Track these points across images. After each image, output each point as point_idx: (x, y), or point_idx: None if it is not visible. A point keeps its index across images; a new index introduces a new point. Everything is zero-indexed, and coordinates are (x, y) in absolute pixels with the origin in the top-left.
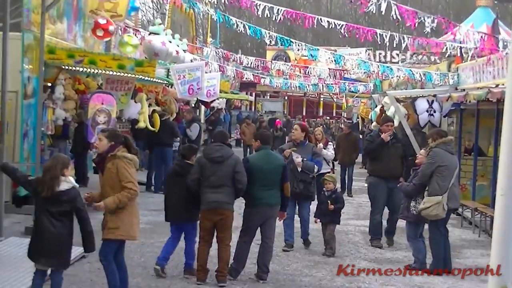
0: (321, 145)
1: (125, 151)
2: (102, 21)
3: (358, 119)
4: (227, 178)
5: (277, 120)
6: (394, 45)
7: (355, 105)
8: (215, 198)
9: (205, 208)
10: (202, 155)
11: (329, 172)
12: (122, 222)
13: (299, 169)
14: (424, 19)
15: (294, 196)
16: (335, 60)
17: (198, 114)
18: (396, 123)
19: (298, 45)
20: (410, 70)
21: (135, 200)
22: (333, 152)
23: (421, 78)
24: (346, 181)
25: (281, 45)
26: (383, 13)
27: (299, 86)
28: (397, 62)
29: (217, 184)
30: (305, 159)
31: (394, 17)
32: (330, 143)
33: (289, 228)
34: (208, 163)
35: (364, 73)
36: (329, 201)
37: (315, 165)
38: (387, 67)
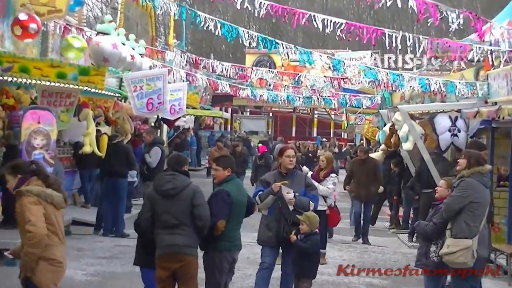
0: (306, 169)
1: (40, 183)
2: (23, 17)
3: (362, 141)
4: (184, 215)
5: (262, 144)
6: (408, 48)
7: (358, 123)
8: (171, 241)
9: (160, 254)
10: (152, 188)
11: (325, 211)
12: (34, 270)
13: (291, 207)
14: (447, 14)
15: (282, 243)
16: (333, 66)
17: (159, 135)
18: (410, 146)
19: (286, 47)
20: (427, 79)
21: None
22: (333, 186)
23: (441, 89)
24: (362, 223)
25: (264, 48)
26: (399, 5)
27: (287, 99)
28: (411, 69)
29: (173, 224)
30: (297, 194)
31: (410, 11)
32: (333, 174)
33: (264, 283)
34: (159, 198)
35: (369, 82)
36: (293, 231)
37: (311, 201)
38: (398, 75)
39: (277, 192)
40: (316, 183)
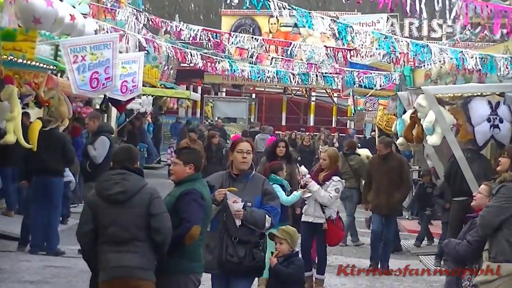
0: (305, 170)
1: None
2: None
3: (373, 133)
4: (137, 227)
5: (237, 133)
6: (435, 12)
7: (369, 109)
8: (119, 262)
9: (105, 279)
10: (94, 192)
11: (322, 224)
12: None
13: (238, 222)
14: None
15: (226, 269)
16: (338, 33)
17: (107, 121)
18: (436, 140)
19: (278, 7)
20: (461, 52)
21: None
22: (336, 193)
23: (477, 65)
24: (384, 244)
25: (249, 7)
26: None
27: (276, 76)
28: (440, 39)
29: (122, 239)
30: (248, 203)
31: None
32: (335, 177)
33: None
34: (104, 205)
35: (384, 55)
36: (276, 252)
37: (267, 215)
38: (423, 45)
39: (222, 201)
40: (316, 186)
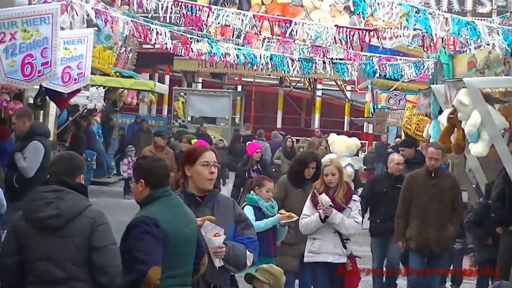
0: (327, 200)
1: None
2: None
3: (398, 139)
4: (74, 263)
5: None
6: None
7: (394, 107)
8: None
9: None
10: (21, 215)
11: (344, 264)
12: None
13: (219, 262)
14: None
15: None
16: (354, 5)
17: (43, 121)
18: (482, 150)
19: None
20: None
21: None
22: (360, 216)
23: None
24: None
25: None
26: None
27: (270, 63)
28: (489, 14)
29: (55, 278)
30: (224, 237)
31: None
32: (355, 195)
33: None
34: (32, 232)
35: (415, 36)
36: None
37: (247, 250)
38: (467, 23)
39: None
40: (339, 216)
